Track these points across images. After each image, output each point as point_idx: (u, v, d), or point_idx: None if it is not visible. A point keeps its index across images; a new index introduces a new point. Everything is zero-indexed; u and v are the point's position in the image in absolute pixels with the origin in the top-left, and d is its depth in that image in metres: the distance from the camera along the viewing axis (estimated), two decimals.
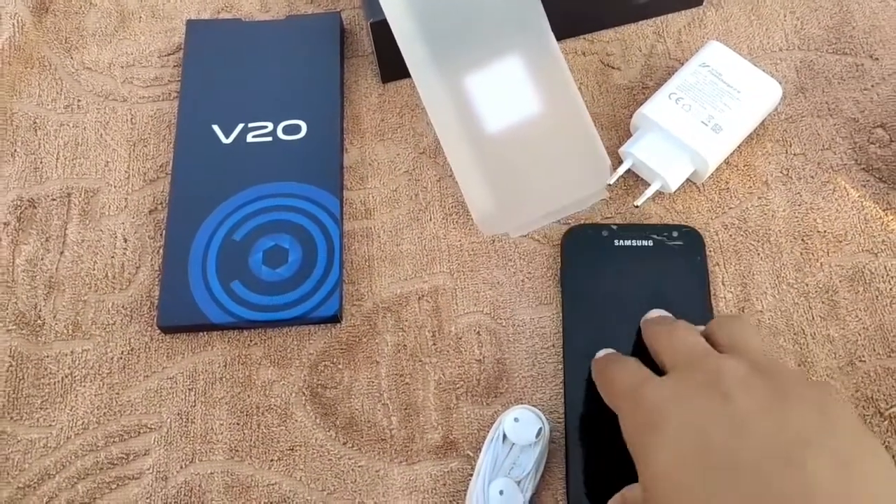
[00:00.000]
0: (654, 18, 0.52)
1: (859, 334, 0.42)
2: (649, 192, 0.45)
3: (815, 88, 0.49)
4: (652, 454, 0.31)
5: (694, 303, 0.42)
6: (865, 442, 0.29)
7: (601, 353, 0.39)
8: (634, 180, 0.47)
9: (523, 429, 0.39)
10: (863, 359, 0.42)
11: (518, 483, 0.38)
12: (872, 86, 0.49)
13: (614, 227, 0.44)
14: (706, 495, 0.28)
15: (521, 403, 0.41)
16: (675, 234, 0.44)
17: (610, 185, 0.46)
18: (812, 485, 0.27)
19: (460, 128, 0.45)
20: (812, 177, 0.47)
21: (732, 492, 0.28)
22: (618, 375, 0.35)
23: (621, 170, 0.46)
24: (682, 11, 0.52)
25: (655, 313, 0.39)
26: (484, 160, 0.45)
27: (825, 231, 0.45)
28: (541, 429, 0.39)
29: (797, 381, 0.31)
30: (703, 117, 0.45)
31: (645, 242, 0.44)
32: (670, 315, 0.39)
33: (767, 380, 0.31)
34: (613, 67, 0.51)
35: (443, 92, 0.44)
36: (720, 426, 0.30)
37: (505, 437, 0.39)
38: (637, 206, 0.45)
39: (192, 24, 0.52)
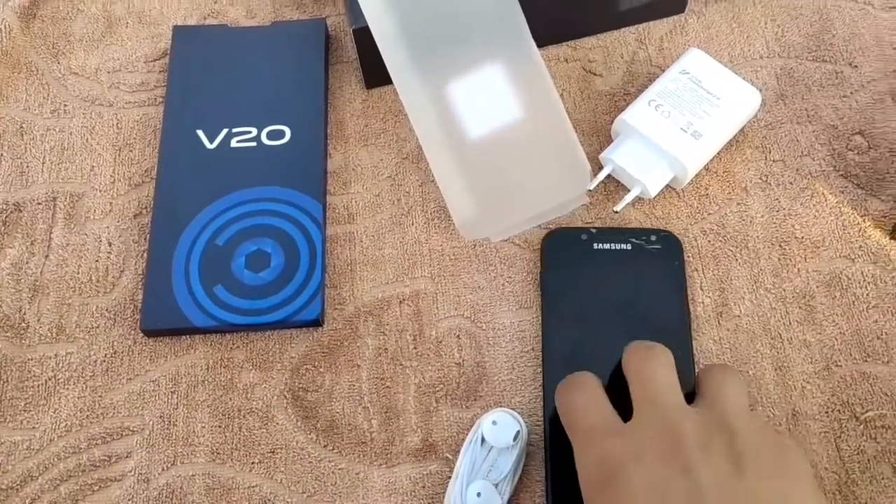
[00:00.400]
0: (636, 25, 0.53)
1: (836, 339, 0.43)
2: (629, 197, 0.46)
3: (794, 95, 0.50)
4: None
5: (671, 307, 0.43)
6: None
7: (567, 379, 0.37)
8: (615, 186, 0.48)
9: (501, 432, 0.40)
10: (839, 363, 0.42)
11: (496, 485, 0.39)
12: (851, 93, 0.50)
13: (593, 230, 0.45)
14: None
15: (500, 406, 0.42)
16: (653, 237, 0.45)
17: (590, 190, 0.46)
18: None
19: (442, 133, 0.45)
20: (791, 183, 0.47)
21: None
22: (580, 411, 0.35)
23: (601, 175, 0.47)
24: (664, 19, 0.53)
25: (635, 344, 0.37)
26: (465, 166, 0.45)
27: (803, 237, 0.46)
28: (518, 432, 0.40)
29: (760, 444, 0.32)
30: (682, 124, 0.46)
31: (624, 246, 0.44)
32: (652, 344, 0.37)
33: (728, 446, 0.32)
34: (595, 74, 0.51)
35: (424, 98, 0.45)
36: (678, 498, 0.30)
37: (483, 439, 0.40)
38: (617, 212, 0.46)
39: (178, 30, 0.52)
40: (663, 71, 0.49)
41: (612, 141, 0.48)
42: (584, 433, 0.34)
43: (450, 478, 0.41)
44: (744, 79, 0.47)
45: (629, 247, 0.44)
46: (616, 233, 0.45)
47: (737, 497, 0.30)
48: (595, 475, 0.32)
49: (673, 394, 0.34)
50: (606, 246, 0.44)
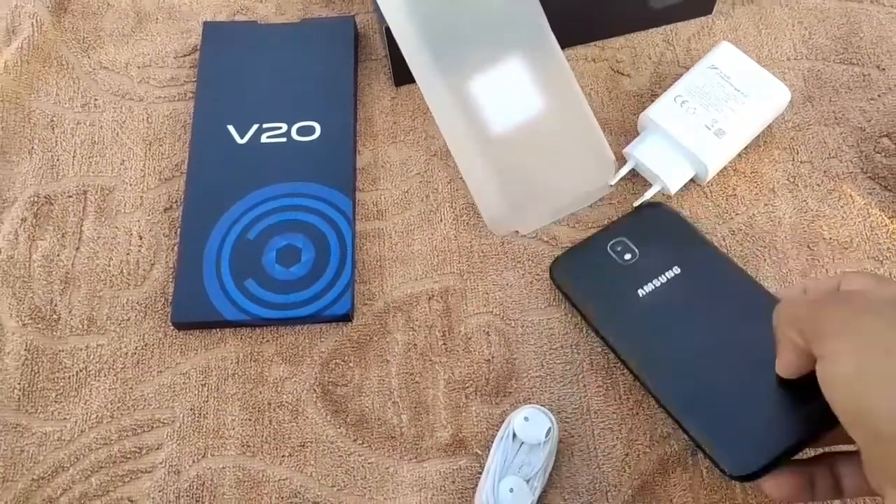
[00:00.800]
0: (663, 26, 0.53)
1: None
2: (649, 193, 0.46)
3: (822, 97, 0.50)
4: None
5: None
6: None
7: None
8: (639, 180, 0.48)
9: (533, 428, 0.40)
10: None
11: (527, 481, 0.39)
12: (879, 95, 0.50)
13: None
14: None
15: (530, 403, 0.42)
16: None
17: (612, 185, 0.46)
18: None
19: (467, 130, 0.45)
20: (818, 184, 0.47)
21: None
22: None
23: (624, 170, 0.47)
24: (692, 20, 0.53)
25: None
26: (491, 161, 0.45)
27: (831, 238, 0.46)
28: (550, 428, 0.40)
29: None
30: (706, 121, 0.46)
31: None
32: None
33: None
34: (623, 74, 0.52)
35: (448, 96, 0.45)
36: None
37: (514, 435, 0.40)
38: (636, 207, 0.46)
39: (208, 26, 0.52)
40: (687, 71, 0.49)
41: None
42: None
43: (479, 473, 0.41)
44: (774, 75, 0.47)
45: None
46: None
47: None
48: None
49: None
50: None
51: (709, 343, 0.39)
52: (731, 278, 0.42)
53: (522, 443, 0.40)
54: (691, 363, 0.39)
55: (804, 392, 0.34)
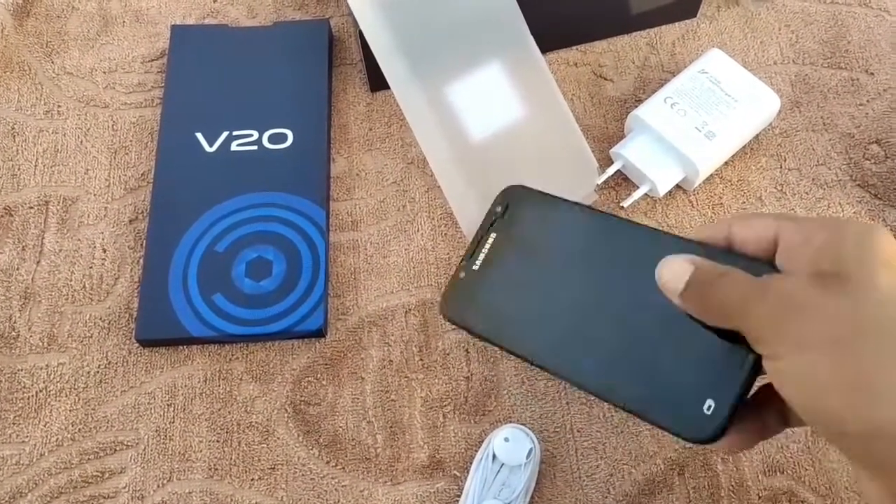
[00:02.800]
0: (647, 30, 0.52)
1: None
2: (637, 194, 0.45)
3: (810, 103, 0.49)
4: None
5: None
6: None
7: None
8: (625, 183, 0.46)
9: (514, 449, 0.38)
10: None
11: None
12: (868, 101, 0.48)
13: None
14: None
15: (511, 422, 0.40)
16: None
17: (598, 185, 0.45)
18: None
19: (444, 138, 0.44)
20: (806, 192, 0.46)
21: None
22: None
23: (610, 170, 0.45)
24: (676, 23, 0.52)
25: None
26: (469, 169, 0.44)
27: None
28: (531, 449, 0.38)
29: None
30: (697, 123, 0.45)
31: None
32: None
33: None
34: (606, 79, 0.50)
35: (424, 103, 0.44)
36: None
37: (494, 456, 0.38)
38: (623, 208, 0.45)
39: (176, 30, 0.51)
40: (675, 76, 0.48)
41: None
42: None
43: (458, 496, 0.39)
44: (764, 82, 0.46)
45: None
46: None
47: None
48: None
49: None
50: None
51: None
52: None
53: (503, 464, 0.38)
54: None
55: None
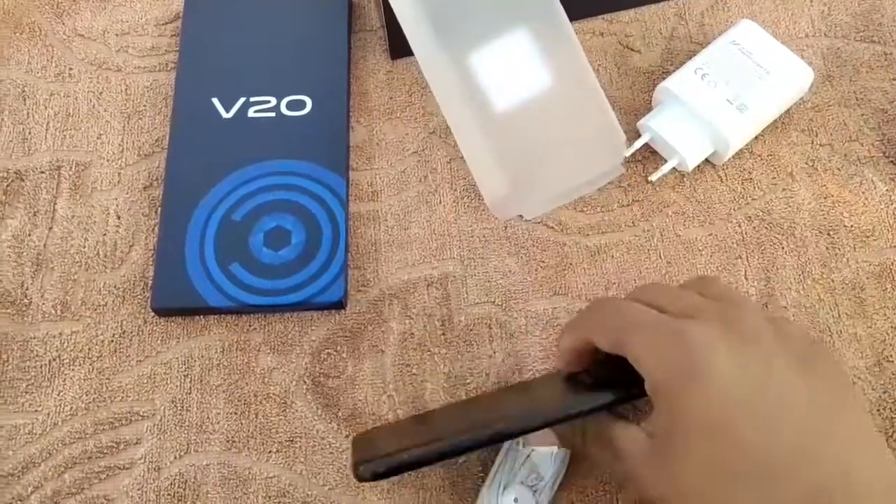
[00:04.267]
0: (675, 0, 0.50)
1: (887, 333, 0.41)
2: (665, 168, 0.44)
3: (842, 77, 0.47)
4: (692, 400, 0.29)
5: None
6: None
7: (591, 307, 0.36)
8: (652, 157, 0.45)
9: (544, 435, 0.37)
10: (891, 359, 0.40)
11: (534, 492, 0.36)
12: None
13: None
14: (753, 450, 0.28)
15: None
16: None
17: (626, 158, 0.44)
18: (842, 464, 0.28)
19: (468, 107, 0.42)
20: (839, 169, 0.45)
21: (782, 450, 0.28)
22: (631, 309, 0.33)
23: (638, 143, 0.44)
24: None
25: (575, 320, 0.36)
26: (494, 139, 0.43)
27: (852, 226, 0.43)
28: None
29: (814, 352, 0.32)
30: (728, 95, 0.43)
31: None
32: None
33: (796, 340, 0.32)
34: (633, 49, 0.49)
35: (448, 70, 0.42)
36: (765, 383, 0.29)
37: (525, 443, 0.37)
38: (651, 182, 0.44)
39: None
40: (703, 48, 0.47)
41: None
42: (651, 322, 0.31)
43: (480, 473, 0.38)
44: (796, 54, 0.45)
45: None
46: None
47: (809, 394, 0.29)
48: (677, 360, 0.30)
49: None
50: None
51: None
52: None
53: (533, 450, 0.37)
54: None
55: None
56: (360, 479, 0.33)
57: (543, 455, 0.37)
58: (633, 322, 0.32)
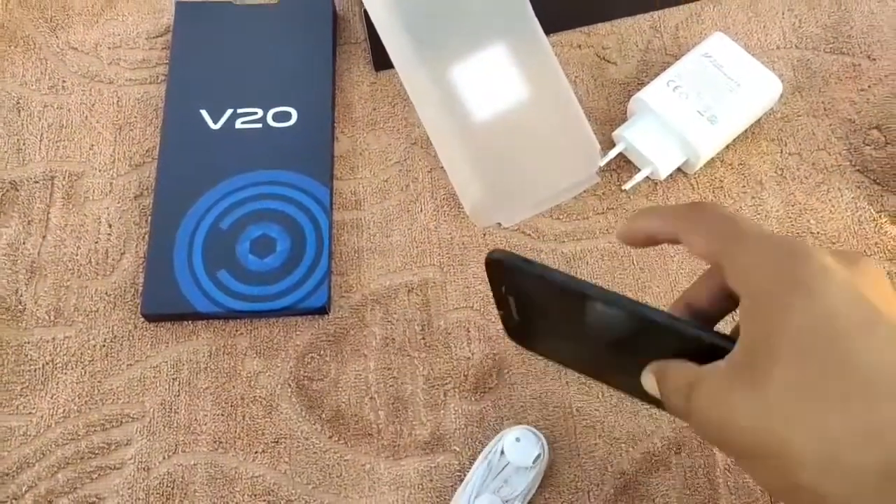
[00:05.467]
0: (651, 13, 0.52)
1: None
2: (639, 177, 0.45)
3: (811, 88, 0.49)
4: (799, 314, 0.25)
5: None
6: None
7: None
8: (626, 167, 0.47)
9: (523, 450, 0.38)
10: None
11: (504, 503, 0.38)
12: (869, 86, 0.49)
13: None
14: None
15: (523, 424, 0.41)
16: None
17: (600, 167, 0.45)
18: None
19: (448, 118, 0.44)
20: (806, 177, 0.46)
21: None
22: (739, 218, 0.29)
23: (613, 153, 0.46)
24: (681, 6, 0.52)
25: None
26: (472, 149, 0.44)
27: (819, 232, 0.45)
28: (539, 455, 0.39)
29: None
30: (699, 107, 0.45)
31: None
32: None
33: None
34: (609, 61, 0.50)
35: (427, 82, 0.44)
36: (881, 310, 0.26)
37: (503, 452, 0.39)
38: (625, 191, 0.45)
39: (181, 6, 0.51)
40: (678, 59, 0.48)
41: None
42: (761, 234, 0.28)
43: (458, 472, 0.40)
44: (766, 66, 0.46)
45: None
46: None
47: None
48: (788, 273, 0.26)
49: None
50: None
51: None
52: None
53: (509, 462, 0.38)
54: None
55: None
56: (489, 257, 0.30)
57: (519, 468, 0.38)
58: (742, 230, 0.28)
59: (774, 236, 0.28)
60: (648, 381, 0.30)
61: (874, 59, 0.50)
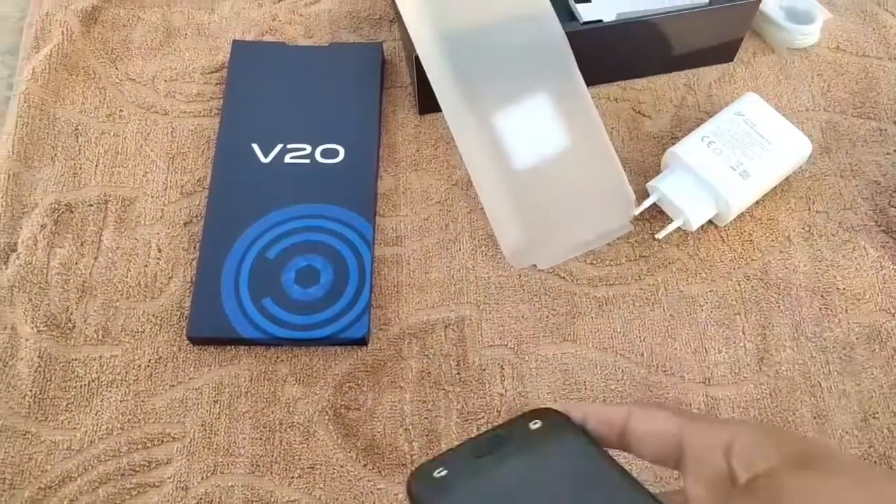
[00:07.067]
0: (686, 71, 0.54)
1: (874, 392, 0.43)
2: (671, 227, 0.47)
3: (838, 149, 0.51)
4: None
5: None
6: None
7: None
8: (659, 216, 0.48)
9: None
10: (877, 415, 0.43)
11: None
12: (895, 150, 0.51)
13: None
14: None
15: None
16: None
17: (634, 216, 0.47)
18: None
19: (490, 163, 0.46)
20: (833, 235, 0.48)
21: None
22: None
23: (647, 203, 0.47)
24: (714, 66, 0.54)
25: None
26: (512, 194, 0.46)
27: (844, 288, 0.46)
28: None
29: None
30: (731, 162, 0.47)
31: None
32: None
33: None
34: (644, 115, 0.52)
35: (473, 128, 0.46)
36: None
37: None
38: (657, 239, 0.47)
39: (237, 45, 0.53)
40: (710, 116, 0.50)
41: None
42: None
43: None
44: (797, 127, 0.48)
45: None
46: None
47: None
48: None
49: None
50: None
51: None
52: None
53: None
54: None
55: None
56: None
57: None
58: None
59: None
60: None
61: None
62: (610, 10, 0.51)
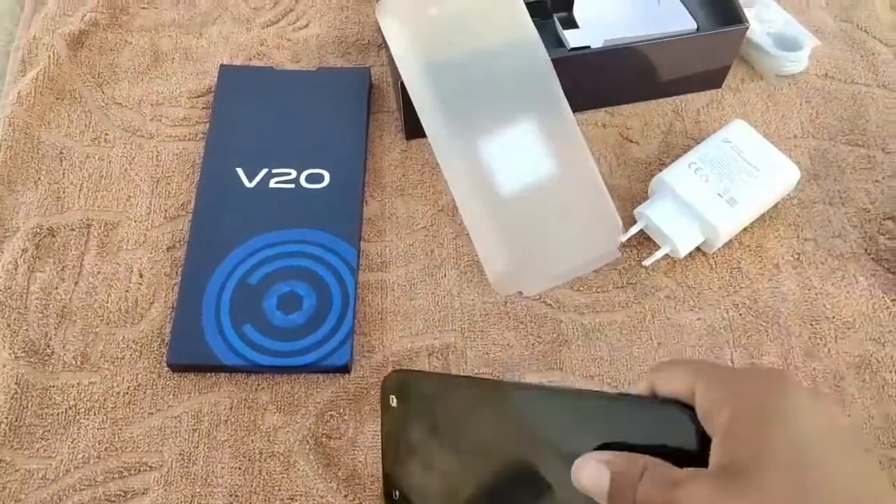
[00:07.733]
0: (673, 97, 0.54)
1: (865, 423, 0.43)
2: (659, 254, 0.46)
3: (827, 176, 0.51)
4: (777, 438, 0.27)
5: None
6: None
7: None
8: (646, 243, 0.48)
9: None
10: (868, 448, 0.42)
11: None
12: (883, 178, 0.50)
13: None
14: None
15: None
16: None
17: (622, 243, 0.47)
18: None
19: (476, 189, 0.46)
20: (822, 262, 0.48)
21: None
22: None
23: (634, 229, 0.47)
24: (702, 92, 0.54)
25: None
26: (498, 220, 0.45)
27: (834, 317, 0.46)
28: None
29: None
30: (719, 189, 0.46)
31: None
32: None
33: None
34: (632, 141, 0.52)
35: (459, 154, 0.46)
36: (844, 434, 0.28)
37: None
38: (644, 267, 0.46)
39: (224, 69, 0.53)
40: (698, 143, 0.50)
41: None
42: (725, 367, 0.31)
43: None
44: (784, 154, 0.48)
45: None
46: None
47: None
48: (760, 398, 0.28)
49: None
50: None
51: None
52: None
53: None
54: None
55: None
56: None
57: None
58: (715, 364, 0.30)
59: (743, 369, 0.30)
60: (589, 472, 0.29)
61: (889, 152, 0.51)
62: (598, 36, 0.51)
